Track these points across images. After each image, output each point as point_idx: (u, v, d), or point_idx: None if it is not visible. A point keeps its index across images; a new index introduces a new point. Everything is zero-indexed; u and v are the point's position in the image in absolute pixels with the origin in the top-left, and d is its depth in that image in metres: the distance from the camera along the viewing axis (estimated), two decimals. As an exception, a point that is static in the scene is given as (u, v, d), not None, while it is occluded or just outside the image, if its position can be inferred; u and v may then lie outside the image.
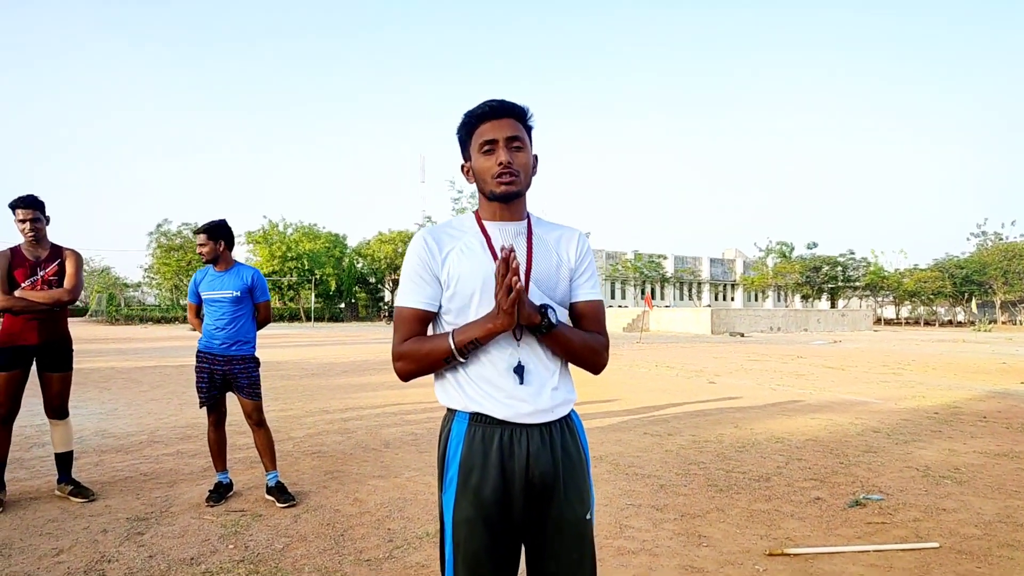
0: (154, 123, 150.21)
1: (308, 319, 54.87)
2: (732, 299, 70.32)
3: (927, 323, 65.49)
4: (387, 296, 63.34)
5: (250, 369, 4.24)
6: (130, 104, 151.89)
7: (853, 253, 61.79)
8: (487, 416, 1.57)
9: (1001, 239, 62.22)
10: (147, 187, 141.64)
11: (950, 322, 66.32)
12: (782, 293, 67.52)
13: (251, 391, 4.22)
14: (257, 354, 4.37)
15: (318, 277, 56.02)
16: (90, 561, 3.22)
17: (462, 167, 1.70)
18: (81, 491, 4.22)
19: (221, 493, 4.21)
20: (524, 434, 1.57)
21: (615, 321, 41.14)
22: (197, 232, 4.25)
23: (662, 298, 64.32)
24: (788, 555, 3.31)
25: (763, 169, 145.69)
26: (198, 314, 4.39)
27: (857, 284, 63.01)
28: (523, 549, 1.65)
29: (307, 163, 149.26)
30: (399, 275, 1.87)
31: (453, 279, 1.59)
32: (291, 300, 58.71)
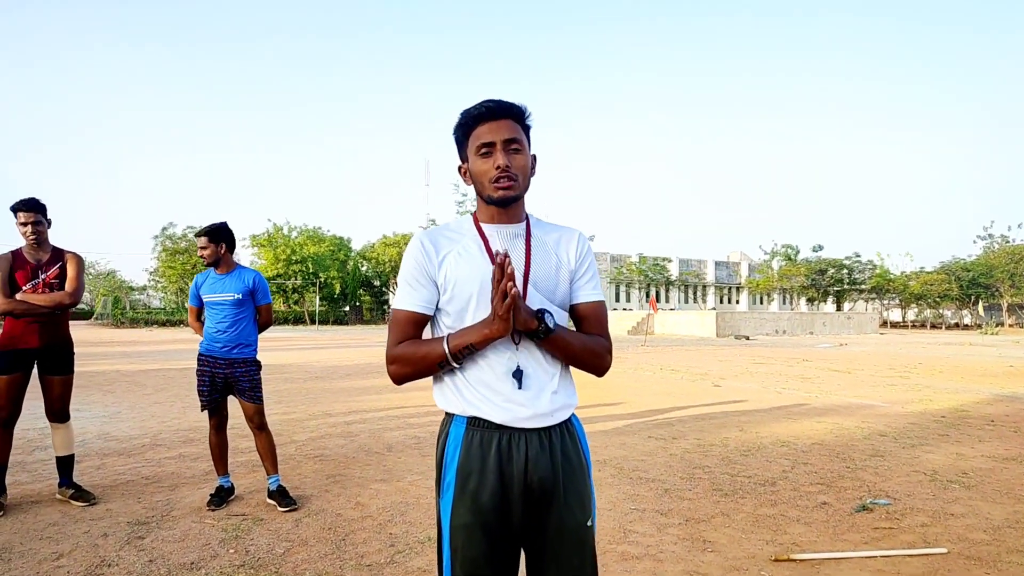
0: (158, 125, 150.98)
1: (312, 322, 54.93)
2: (737, 302, 70.11)
3: (933, 326, 65.18)
4: (391, 299, 63.35)
5: (252, 372, 4.22)
6: (134, 105, 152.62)
7: (859, 256, 61.50)
8: (485, 420, 1.54)
9: (1008, 241, 61.83)
10: (152, 190, 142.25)
11: (957, 325, 65.96)
12: (787, 296, 67.32)
13: (253, 394, 4.20)
14: (259, 357, 4.35)
15: (322, 280, 56.13)
16: (90, 566, 3.20)
17: (459, 168, 1.67)
18: (82, 495, 4.20)
19: (222, 497, 4.19)
20: (523, 439, 1.54)
21: (620, 324, 41.08)
22: (198, 235, 4.24)
23: (667, 301, 64.16)
24: (794, 561, 3.27)
25: (768, 171, 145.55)
26: (199, 317, 4.38)
27: (863, 287, 62.71)
28: (523, 555, 1.63)
29: (311, 166, 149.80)
30: None
31: (450, 283, 1.57)
32: (295, 303, 58.83)
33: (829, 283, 60.28)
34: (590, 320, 1.65)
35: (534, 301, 1.57)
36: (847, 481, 4.80)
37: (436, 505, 1.62)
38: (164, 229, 54.98)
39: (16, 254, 4.14)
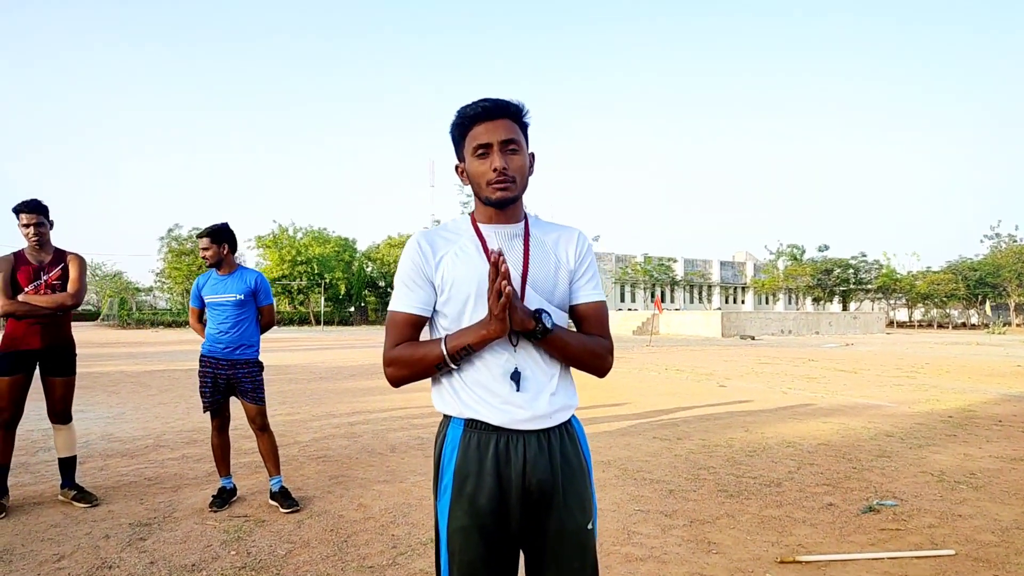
0: (159, 125, 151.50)
1: (318, 323, 55.03)
2: (743, 302, 69.93)
3: (940, 326, 64.89)
4: (396, 300, 63.47)
5: (254, 373, 4.21)
6: (134, 104, 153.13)
7: (865, 255, 61.27)
8: (482, 422, 1.52)
9: (1015, 241, 61.48)
10: (155, 191, 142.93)
11: (963, 324, 65.68)
12: (793, 296, 67.07)
13: (255, 395, 4.19)
14: (261, 358, 4.34)
15: (328, 281, 56.24)
16: (91, 567, 3.19)
17: (456, 167, 1.65)
18: (84, 496, 4.20)
19: (224, 498, 4.18)
20: (521, 441, 1.52)
21: (625, 324, 41.00)
22: (200, 236, 4.23)
23: (672, 301, 64.03)
24: (800, 563, 3.24)
25: (773, 171, 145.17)
26: (200, 319, 4.37)
27: (869, 287, 62.47)
28: (522, 559, 1.60)
29: (315, 167, 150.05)
30: None
31: (447, 284, 1.55)
32: (301, 304, 58.95)
33: (835, 283, 60.08)
34: (590, 320, 1.63)
35: (532, 302, 1.55)
36: (853, 482, 4.76)
37: (434, 508, 1.60)
38: (170, 230, 55.24)
39: (18, 255, 4.15)
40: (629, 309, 56.64)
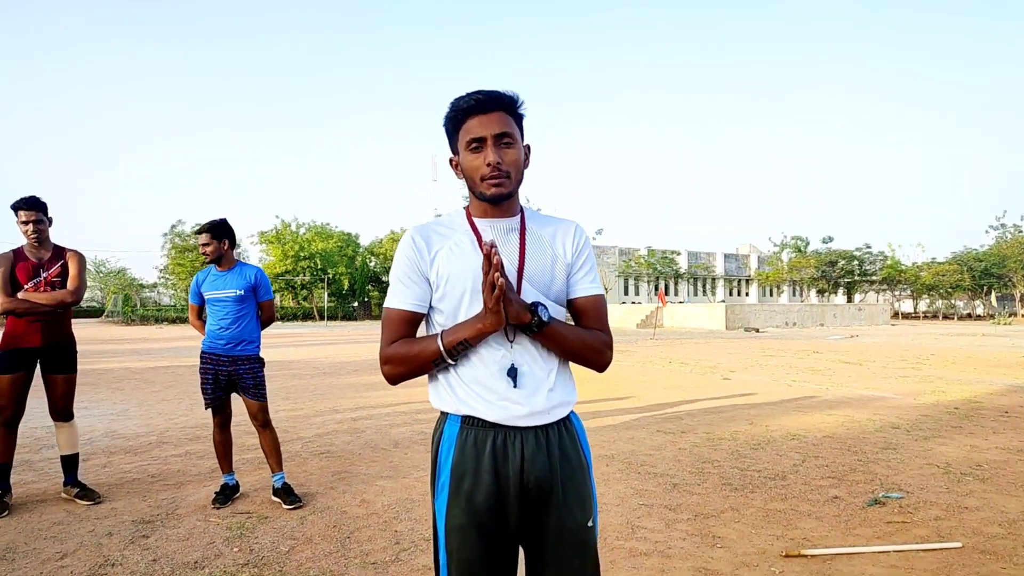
0: (160, 121, 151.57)
1: (321, 318, 55.13)
2: (747, 294, 69.85)
3: (946, 317, 64.63)
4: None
5: (255, 369, 4.19)
6: (136, 100, 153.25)
7: (869, 247, 61.06)
8: (479, 419, 1.49)
9: (1021, 231, 61.07)
10: (156, 187, 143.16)
11: (969, 316, 65.37)
12: (797, 288, 66.93)
13: (256, 392, 4.18)
14: (263, 354, 4.32)
15: (331, 276, 56.33)
16: (93, 565, 3.19)
17: (450, 161, 1.61)
18: (87, 493, 4.20)
19: (227, 495, 4.17)
20: (518, 437, 1.49)
21: (629, 317, 40.96)
22: (199, 232, 4.21)
23: (676, 294, 63.99)
24: (805, 556, 3.21)
25: (777, 163, 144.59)
26: (200, 315, 4.35)
27: (874, 278, 62.26)
28: (521, 557, 1.58)
29: (317, 162, 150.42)
30: None
31: (443, 279, 1.52)
32: (304, 299, 59.04)
33: (840, 275, 59.91)
34: (589, 314, 1.60)
35: (529, 296, 1.52)
36: (859, 475, 4.73)
37: (432, 506, 1.58)
38: (173, 227, 55.45)
39: (17, 253, 4.13)
40: (633, 302, 56.54)
